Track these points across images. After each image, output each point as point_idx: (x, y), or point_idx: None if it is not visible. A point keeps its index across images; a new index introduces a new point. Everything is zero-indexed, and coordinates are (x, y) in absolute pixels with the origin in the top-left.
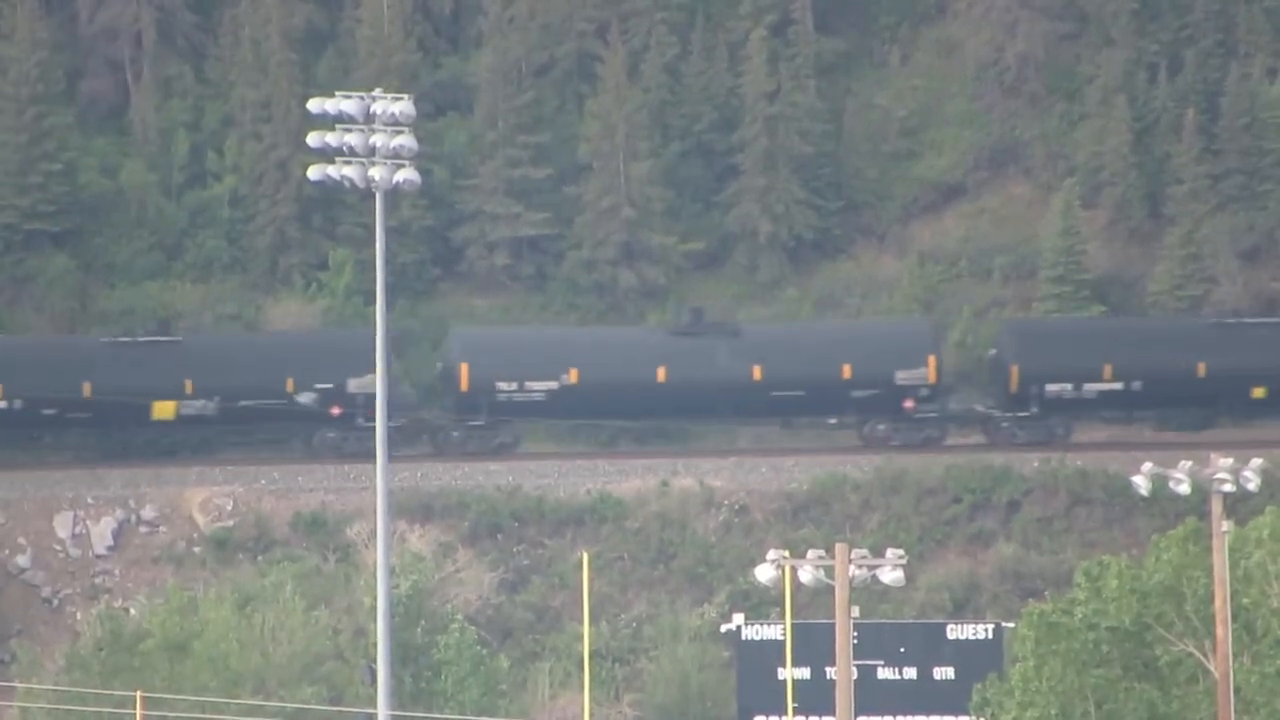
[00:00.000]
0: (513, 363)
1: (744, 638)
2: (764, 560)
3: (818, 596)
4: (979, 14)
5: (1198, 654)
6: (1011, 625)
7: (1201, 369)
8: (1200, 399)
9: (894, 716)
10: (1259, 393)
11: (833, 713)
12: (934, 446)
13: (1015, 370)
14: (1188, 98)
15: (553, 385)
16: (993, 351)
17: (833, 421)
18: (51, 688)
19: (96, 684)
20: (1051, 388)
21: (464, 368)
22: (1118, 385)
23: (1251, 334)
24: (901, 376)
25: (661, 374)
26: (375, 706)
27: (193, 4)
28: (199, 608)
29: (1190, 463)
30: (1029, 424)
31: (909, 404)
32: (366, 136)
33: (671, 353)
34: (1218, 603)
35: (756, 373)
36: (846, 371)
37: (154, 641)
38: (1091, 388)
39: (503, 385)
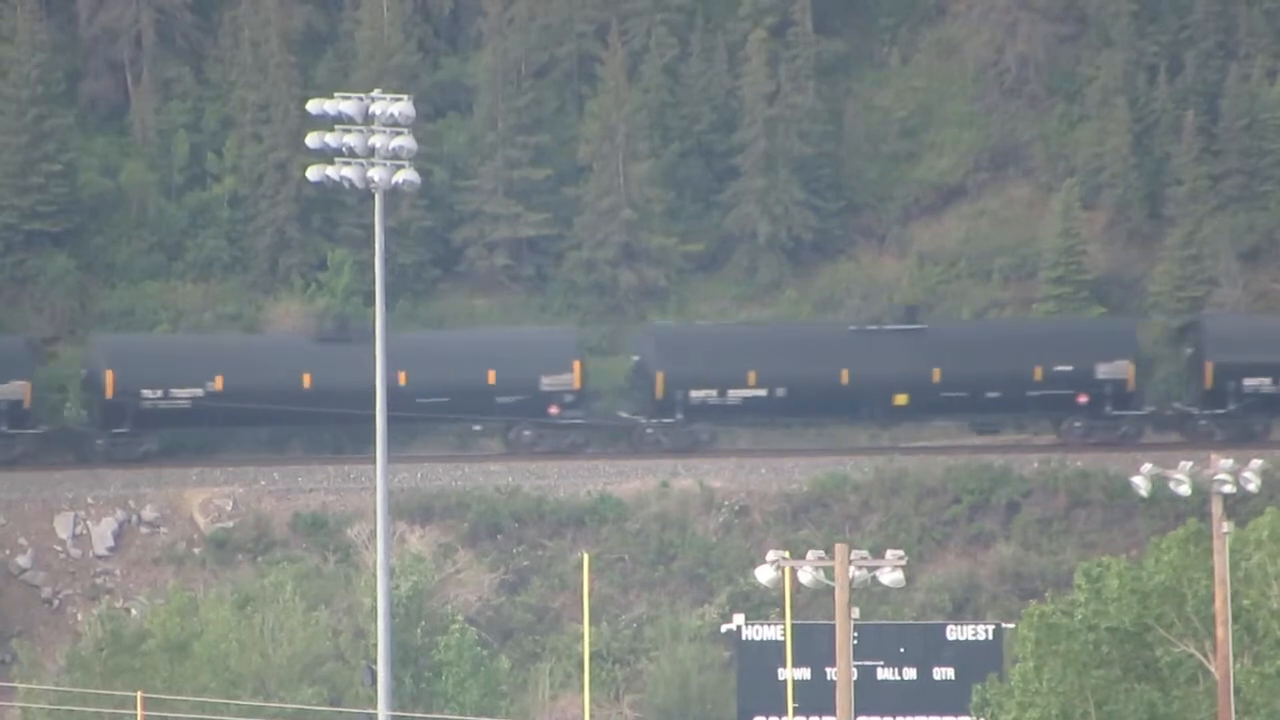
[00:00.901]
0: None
1: (744, 638)
2: (764, 561)
3: (818, 597)
4: (979, 15)
5: (1198, 655)
6: (1011, 626)
7: (845, 376)
8: (843, 406)
9: (894, 717)
10: (900, 399)
11: (833, 713)
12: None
13: (660, 377)
14: (1188, 99)
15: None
16: (635, 358)
17: (478, 428)
18: (52, 688)
19: (97, 684)
20: (696, 394)
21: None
22: (761, 391)
23: (893, 341)
24: (547, 382)
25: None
26: (375, 707)
27: (193, 5)
28: (199, 608)
29: (1190, 463)
30: (673, 430)
31: (554, 410)
32: (366, 137)
33: (317, 359)
34: (1218, 604)
35: (401, 378)
36: (491, 377)
37: (154, 642)
38: (736, 394)
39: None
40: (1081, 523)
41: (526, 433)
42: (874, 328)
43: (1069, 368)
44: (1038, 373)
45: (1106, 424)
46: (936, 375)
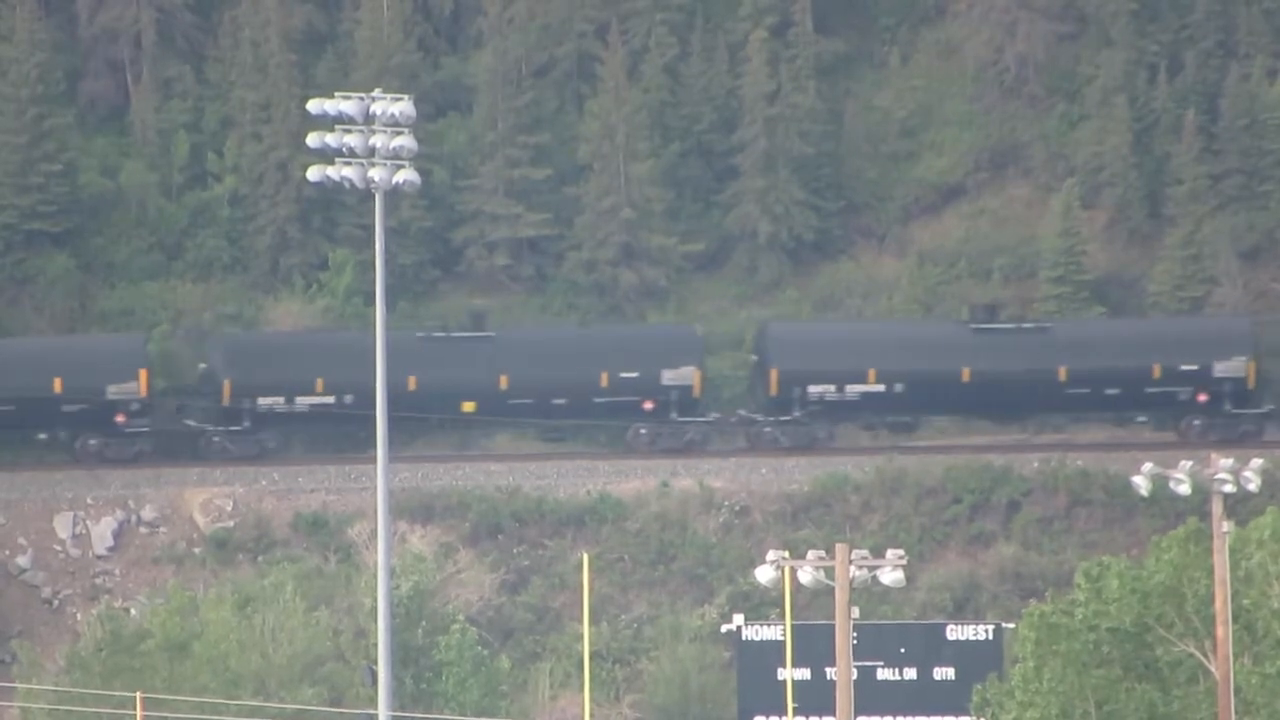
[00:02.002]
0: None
1: (744, 638)
2: (764, 561)
3: (818, 597)
4: (979, 15)
5: (1198, 654)
6: (1012, 626)
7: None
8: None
9: (894, 717)
10: (468, 406)
11: (833, 713)
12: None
13: (228, 384)
14: (1188, 98)
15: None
16: (203, 365)
17: (42, 437)
18: (52, 688)
19: (97, 684)
20: (264, 401)
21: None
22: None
23: (461, 348)
24: (113, 391)
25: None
26: (376, 707)
27: (193, 5)
28: (199, 608)
29: (1191, 463)
30: (239, 438)
31: (120, 418)
32: (366, 137)
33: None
34: (1218, 603)
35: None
36: (58, 385)
37: (154, 642)
38: (304, 401)
39: (815, 389)
40: (1082, 522)
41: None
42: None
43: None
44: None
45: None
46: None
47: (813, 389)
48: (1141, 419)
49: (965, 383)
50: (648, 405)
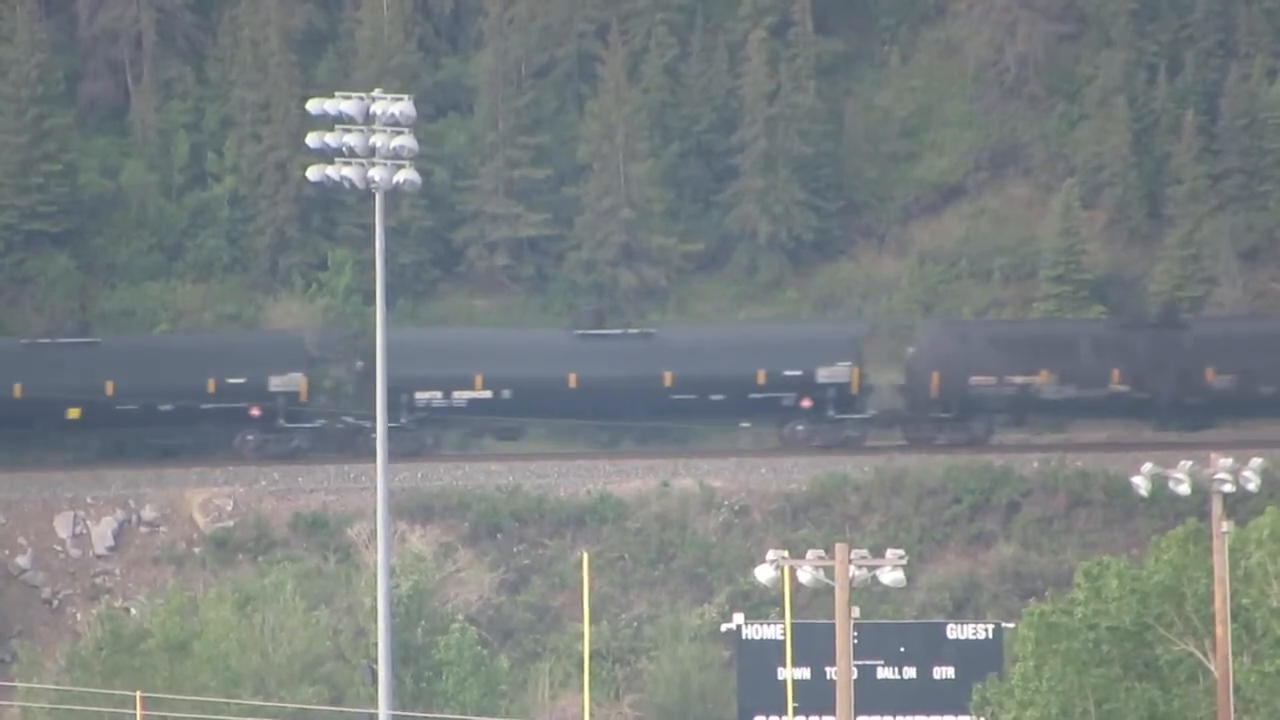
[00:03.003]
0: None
1: (744, 638)
2: (764, 560)
3: (818, 597)
4: (979, 15)
5: (1198, 653)
6: (1011, 625)
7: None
8: (19, 420)
9: (894, 716)
10: (74, 413)
11: (833, 713)
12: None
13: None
14: (1187, 98)
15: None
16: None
17: (745, 425)
18: (52, 687)
19: (97, 684)
20: (421, 396)
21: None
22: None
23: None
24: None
25: None
26: (376, 707)
27: (192, 5)
28: (199, 608)
29: (1190, 463)
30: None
31: (807, 403)
32: (366, 137)
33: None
34: (1218, 602)
35: (667, 379)
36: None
37: (154, 642)
38: (461, 396)
39: (422, 394)
40: (1082, 522)
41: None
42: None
43: None
44: None
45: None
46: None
47: (420, 395)
48: (745, 424)
49: (572, 389)
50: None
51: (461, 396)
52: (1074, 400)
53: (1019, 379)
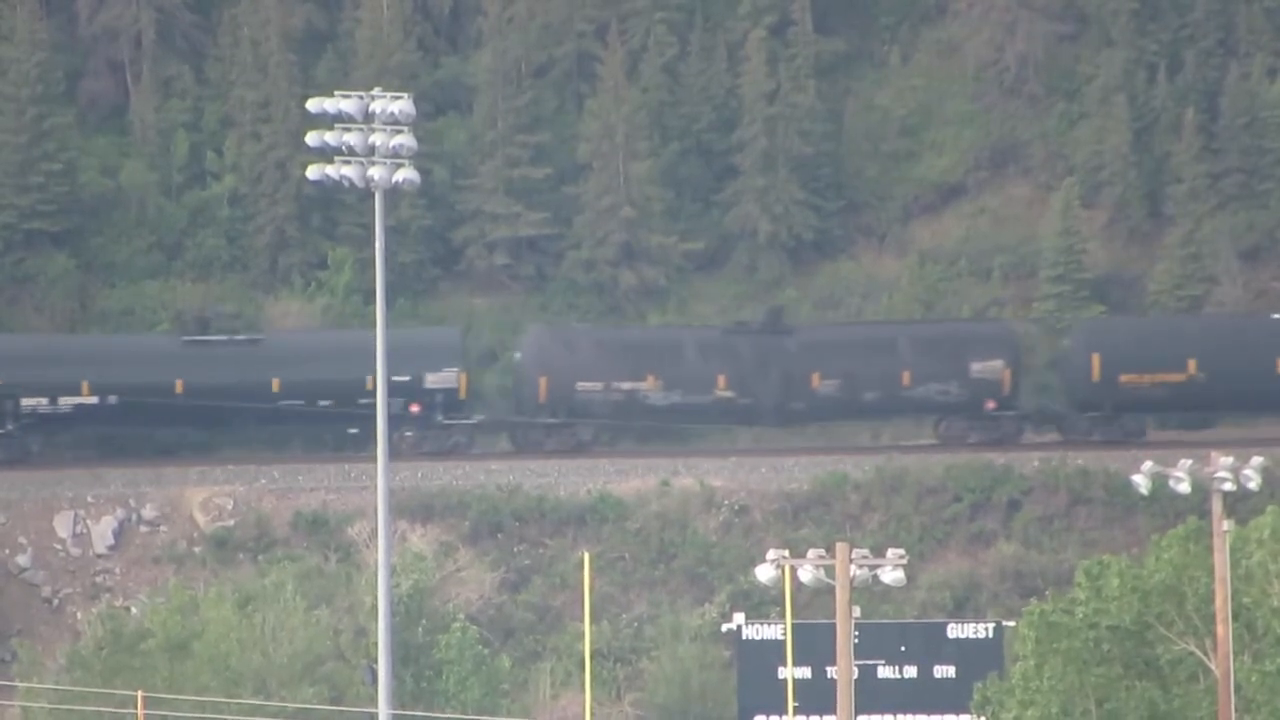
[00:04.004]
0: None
1: (744, 637)
2: (764, 560)
3: (818, 596)
4: (979, 14)
5: (1198, 653)
6: (1012, 624)
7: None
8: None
9: (895, 716)
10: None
11: (833, 712)
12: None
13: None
14: (1187, 97)
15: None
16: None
17: (353, 431)
18: (53, 687)
19: (97, 683)
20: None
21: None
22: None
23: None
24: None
25: None
26: (376, 706)
27: (192, 4)
28: (200, 607)
29: (1191, 462)
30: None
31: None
32: (366, 136)
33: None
34: (1218, 601)
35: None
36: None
37: (155, 641)
38: (621, 386)
39: (28, 400)
40: (1082, 521)
41: (409, 434)
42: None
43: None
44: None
45: None
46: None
47: (26, 402)
48: (353, 430)
49: (179, 394)
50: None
51: (68, 403)
52: (680, 406)
53: (626, 385)
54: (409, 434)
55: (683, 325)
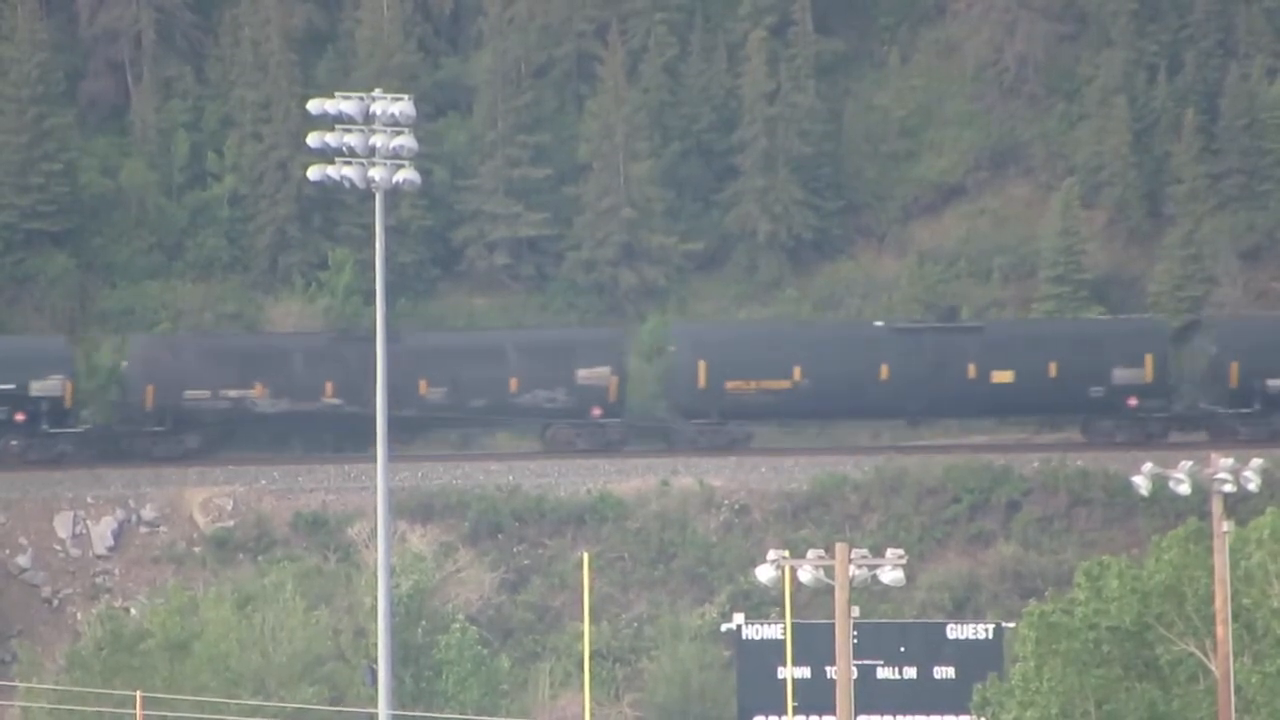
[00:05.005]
0: None
1: (744, 637)
2: (764, 560)
3: (818, 596)
4: (978, 14)
5: (1198, 654)
6: (1012, 625)
7: (884, 371)
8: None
9: (894, 716)
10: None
11: (833, 712)
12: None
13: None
14: (1187, 98)
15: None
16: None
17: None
18: (52, 687)
19: (97, 684)
20: (1273, 384)
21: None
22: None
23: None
24: (1118, 375)
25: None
26: (376, 707)
27: (193, 5)
28: (199, 608)
29: (1191, 463)
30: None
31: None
32: (366, 137)
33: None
34: (1218, 602)
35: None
36: (1053, 369)
37: (154, 641)
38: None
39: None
40: (1082, 521)
41: (14, 442)
42: None
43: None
44: None
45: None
46: None
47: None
48: None
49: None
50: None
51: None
52: (289, 413)
53: (233, 392)
54: (14, 442)
55: (291, 333)
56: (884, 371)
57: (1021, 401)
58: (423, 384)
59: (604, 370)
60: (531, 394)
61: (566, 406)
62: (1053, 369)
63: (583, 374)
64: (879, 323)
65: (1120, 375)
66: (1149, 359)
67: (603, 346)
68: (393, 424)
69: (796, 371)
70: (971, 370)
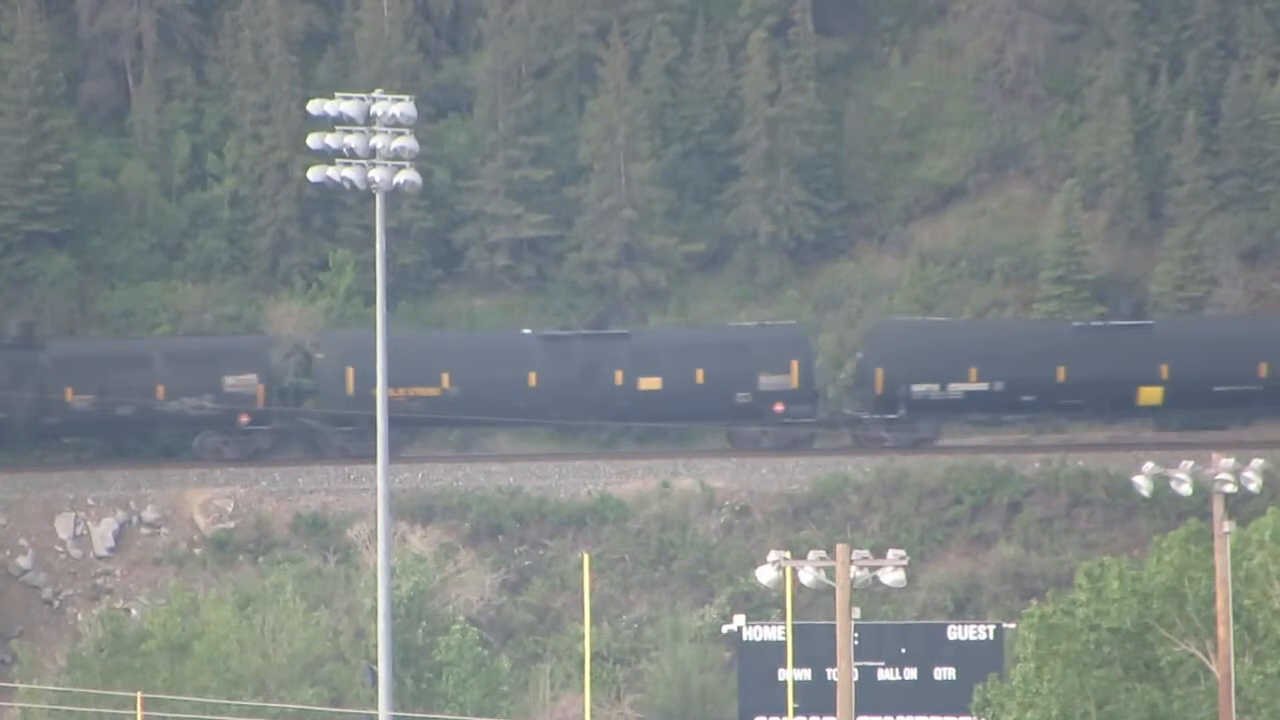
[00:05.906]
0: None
1: (745, 639)
2: (765, 561)
3: (819, 597)
4: (979, 15)
5: (1199, 654)
6: (1012, 626)
7: (1061, 374)
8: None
9: (895, 717)
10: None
11: (834, 714)
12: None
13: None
14: (1188, 99)
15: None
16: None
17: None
18: (53, 688)
19: (97, 685)
20: (918, 389)
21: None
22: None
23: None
24: (764, 382)
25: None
26: (376, 708)
27: (193, 6)
28: (200, 609)
29: (1191, 463)
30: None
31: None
32: (367, 138)
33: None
34: (1219, 603)
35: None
36: (700, 376)
37: (155, 642)
38: (957, 389)
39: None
40: (1083, 522)
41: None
42: None
43: None
44: None
45: None
46: None
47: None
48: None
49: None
50: None
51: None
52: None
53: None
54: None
55: None
56: (532, 378)
57: (670, 408)
58: (69, 392)
59: (251, 378)
60: (179, 401)
61: (214, 414)
62: (700, 375)
63: (230, 381)
64: (527, 330)
65: (767, 381)
66: (794, 365)
67: (249, 354)
68: (37, 431)
69: (445, 378)
70: (619, 377)
